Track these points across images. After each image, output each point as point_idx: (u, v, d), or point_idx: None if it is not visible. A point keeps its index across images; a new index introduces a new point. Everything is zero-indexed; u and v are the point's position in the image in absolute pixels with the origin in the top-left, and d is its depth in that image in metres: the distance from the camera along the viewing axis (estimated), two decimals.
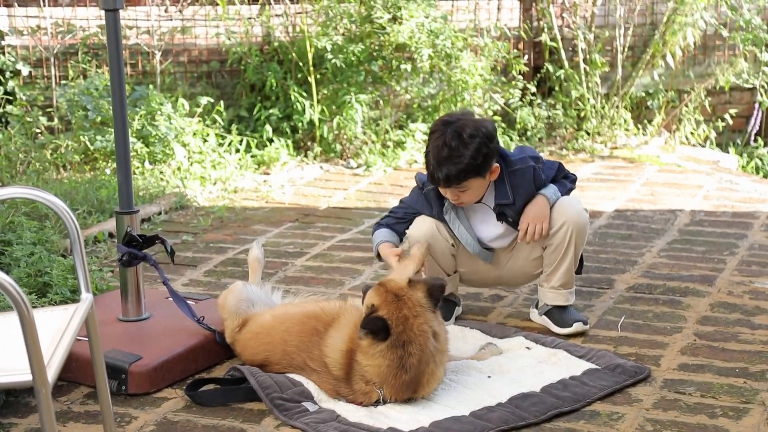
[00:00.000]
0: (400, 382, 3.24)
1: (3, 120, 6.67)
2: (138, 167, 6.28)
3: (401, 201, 3.99)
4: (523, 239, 3.85)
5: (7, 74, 6.84)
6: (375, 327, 3.22)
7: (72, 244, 2.77)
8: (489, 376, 3.50)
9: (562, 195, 3.87)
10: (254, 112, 7.03)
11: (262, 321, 3.56)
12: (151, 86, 6.73)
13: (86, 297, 2.75)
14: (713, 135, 7.55)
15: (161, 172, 6.25)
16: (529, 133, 7.28)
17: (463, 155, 3.62)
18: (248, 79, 7.11)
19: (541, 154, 3.93)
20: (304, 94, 6.92)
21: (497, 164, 3.74)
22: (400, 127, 7.22)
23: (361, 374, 3.28)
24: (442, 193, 3.78)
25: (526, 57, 7.68)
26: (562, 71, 7.45)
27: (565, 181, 3.92)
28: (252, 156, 6.75)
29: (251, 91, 7.26)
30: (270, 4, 7.14)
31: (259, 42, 7.26)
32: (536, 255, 3.93)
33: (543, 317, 3.97)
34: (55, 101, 6.83)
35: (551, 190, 3.85)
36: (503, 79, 7.45)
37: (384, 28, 6.87)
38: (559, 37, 7.48)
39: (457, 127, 3.65)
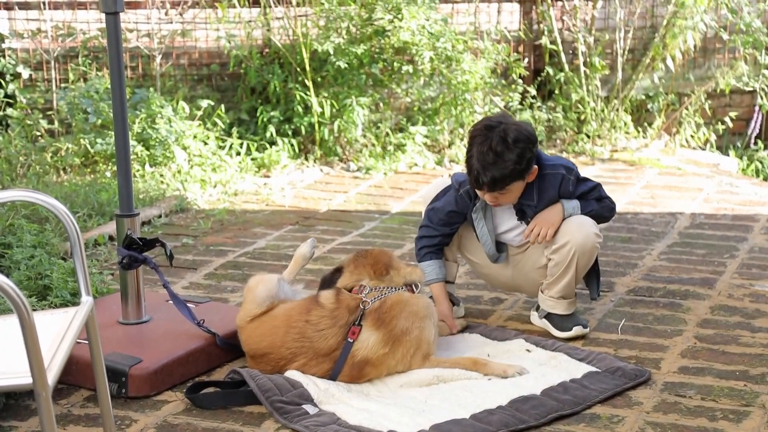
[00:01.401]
0: (367, 256, 3.62)
1: (3, 123, 6.68)
2: (138, 170, 6.28)
3: (433, 208, 3.97)
4: (528, 237, 3.86)
5: (8, 77, 6.84)
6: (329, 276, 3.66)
7: (72, 247, 2.77)
8: (489, 379, 3.50)
9: (581, 213, 3.85)
10: (257, 115, 7.02)
11: (272, 313, 3.58)
12: (151, 89, 6.74)
13: (86, 300, 2.75)
14: (713, 138, 7.55)
15: (161, 175, 6.25)
16: None
17: (508, 160, 3.63)
18: (249, 82, 7.11)
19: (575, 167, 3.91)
20: (308, 94, 6.92)
21: (536, 166, 3.76)
22: (401, 130, 7.23)
23: (347, 298, 3.53)
24: (480, 195, 3.80)
25: (526, 60, 7.68)
26: (562, 74, 7.45)
27: (592, 200, 3.88)
28: (252, 159, 6.75)
29: (251, 94, 7.26)
30: (270, 7, 7.15)
31: (259, 45, 7.26)
32: (542, 264, 3.93)
33: (543, 320, 3.97)
34: (55, 104, 6.83)
35: (573, 203, 3.84)
36: (503, 81, 7.46)
37: (385, 30, 6.87)
38: (559, 40, 7.48)
39: (500, 131, 3.66)
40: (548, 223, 3.82)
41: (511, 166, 3.64)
